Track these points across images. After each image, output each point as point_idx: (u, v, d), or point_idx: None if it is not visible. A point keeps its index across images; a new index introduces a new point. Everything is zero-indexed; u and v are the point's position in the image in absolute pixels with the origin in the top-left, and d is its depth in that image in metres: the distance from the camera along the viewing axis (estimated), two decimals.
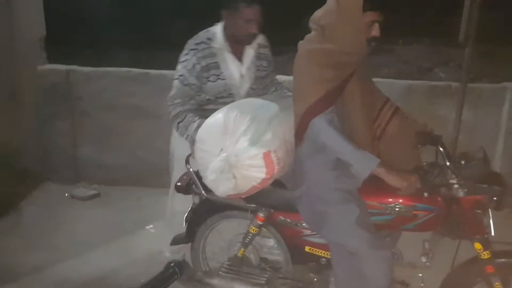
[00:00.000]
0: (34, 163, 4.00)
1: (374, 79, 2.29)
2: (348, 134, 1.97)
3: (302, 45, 2.04)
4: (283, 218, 2.27)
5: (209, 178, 2.10)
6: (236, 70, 2.47)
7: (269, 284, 2.31)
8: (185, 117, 2.39)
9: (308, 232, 2.22)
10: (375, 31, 1.92)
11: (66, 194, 3.90)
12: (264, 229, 2.37)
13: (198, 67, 2.38)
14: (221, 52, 2.43)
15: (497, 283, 1.95)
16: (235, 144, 2.00)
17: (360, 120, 2.02)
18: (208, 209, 2.45)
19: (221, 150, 2.04)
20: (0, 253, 3.03)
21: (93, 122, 3.98)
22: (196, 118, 2.35)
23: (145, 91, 3.84)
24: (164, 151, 2.84)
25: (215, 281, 2.37)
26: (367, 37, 1.92)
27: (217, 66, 2.42)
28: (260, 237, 2.45)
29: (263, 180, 2.05)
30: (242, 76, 2.49)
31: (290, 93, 2.60)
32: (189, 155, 2.35)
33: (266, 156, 2.00)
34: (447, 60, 6.00)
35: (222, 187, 2.10)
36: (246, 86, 2.51)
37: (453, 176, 1.93)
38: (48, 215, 3.56)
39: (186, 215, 2.55)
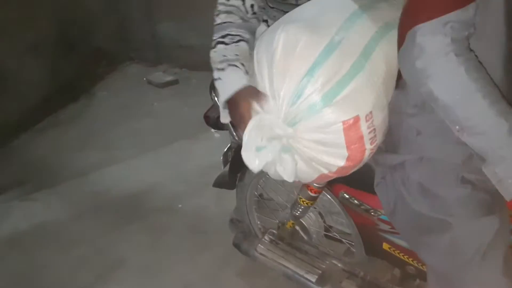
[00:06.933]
0: (108, 42, 3.48)
1: None
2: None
3: None
4: (347, 196, 1.41)
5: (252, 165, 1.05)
6: None
7: (323, 276, 1.57)
8: (233, 32, 1.29)
9: (387, 227, 1.36)
10: None
11: (144, 79, 3.43)
12: (326, 198, 1.56)
13: None
14: None
15: None
16: (295, 98, 1.01)
17: None
18: None
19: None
20: (57, 150, 2.74)
21: None
22: (246, 44, 1.26)
23: None
24: None
25: (252, 252, 1.72)
26: None
27: None
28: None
29: (340, 169, 1.08)
30: None
31: None
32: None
33: (352, 126, 1.01)
34: None
35: (272, 171, 1.13)
36: None
37: None
38: (118, 104, 3.15)
39: (222, 156, 1.83)
